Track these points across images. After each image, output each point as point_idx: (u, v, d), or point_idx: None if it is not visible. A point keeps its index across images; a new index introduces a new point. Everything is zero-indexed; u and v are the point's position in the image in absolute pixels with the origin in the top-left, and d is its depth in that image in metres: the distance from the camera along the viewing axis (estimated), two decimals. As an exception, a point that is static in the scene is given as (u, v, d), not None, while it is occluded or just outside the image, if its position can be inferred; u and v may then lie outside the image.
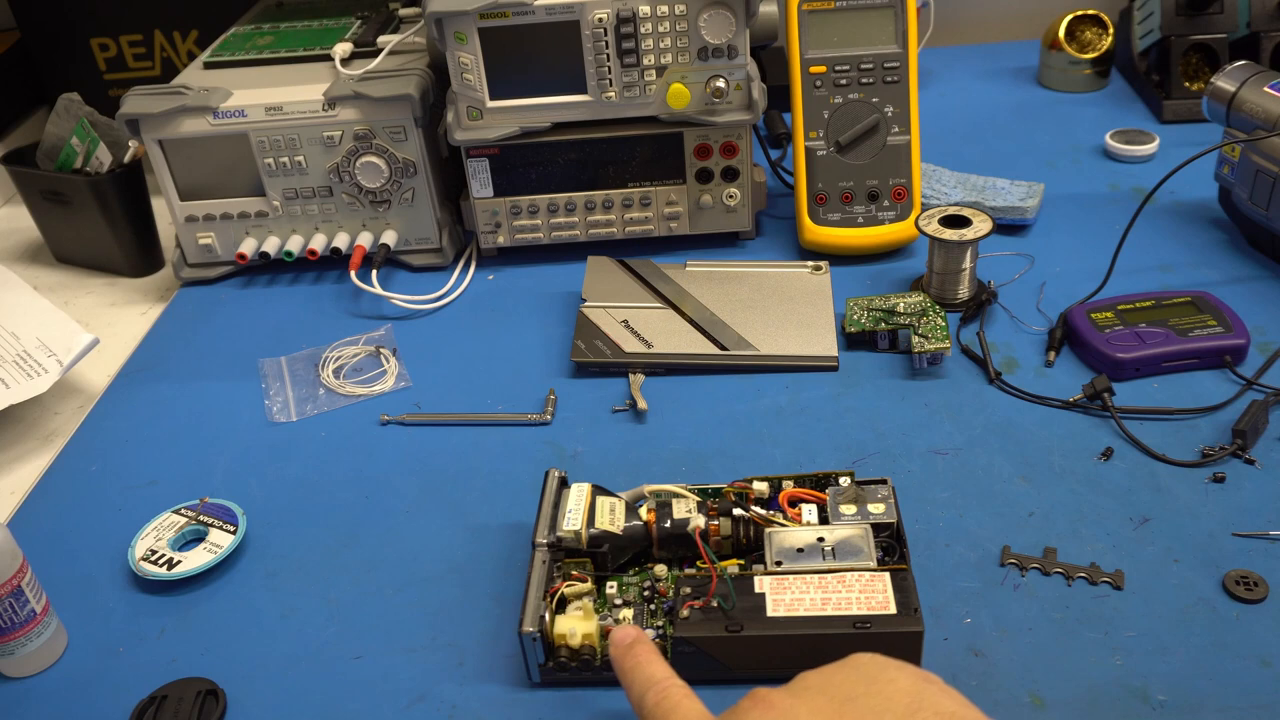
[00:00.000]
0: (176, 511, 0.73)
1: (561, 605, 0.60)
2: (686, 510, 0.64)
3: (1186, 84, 1.19)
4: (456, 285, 0.99)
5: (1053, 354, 0.82)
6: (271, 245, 1.00)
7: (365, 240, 0.99)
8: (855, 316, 0.86)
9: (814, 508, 0.65)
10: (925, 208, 0.98)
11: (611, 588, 0.62)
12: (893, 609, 0.57)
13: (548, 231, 1.00)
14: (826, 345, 0.85)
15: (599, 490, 0.66)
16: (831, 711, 0.45)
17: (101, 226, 1.05)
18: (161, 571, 0.68)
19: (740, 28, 0.91)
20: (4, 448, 0.85)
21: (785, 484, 0.67)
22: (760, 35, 1.10)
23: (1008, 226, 1.00)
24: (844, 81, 0.95)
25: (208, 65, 1.05)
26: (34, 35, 1.28)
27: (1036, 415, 0.77)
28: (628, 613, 0.60)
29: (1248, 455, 0.71)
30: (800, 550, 0.61)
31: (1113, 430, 0.75)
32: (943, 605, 0.62)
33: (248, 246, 1.00)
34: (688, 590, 0.60)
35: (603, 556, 0.63)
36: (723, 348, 0.85)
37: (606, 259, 0.95)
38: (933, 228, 0.87)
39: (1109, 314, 0.83)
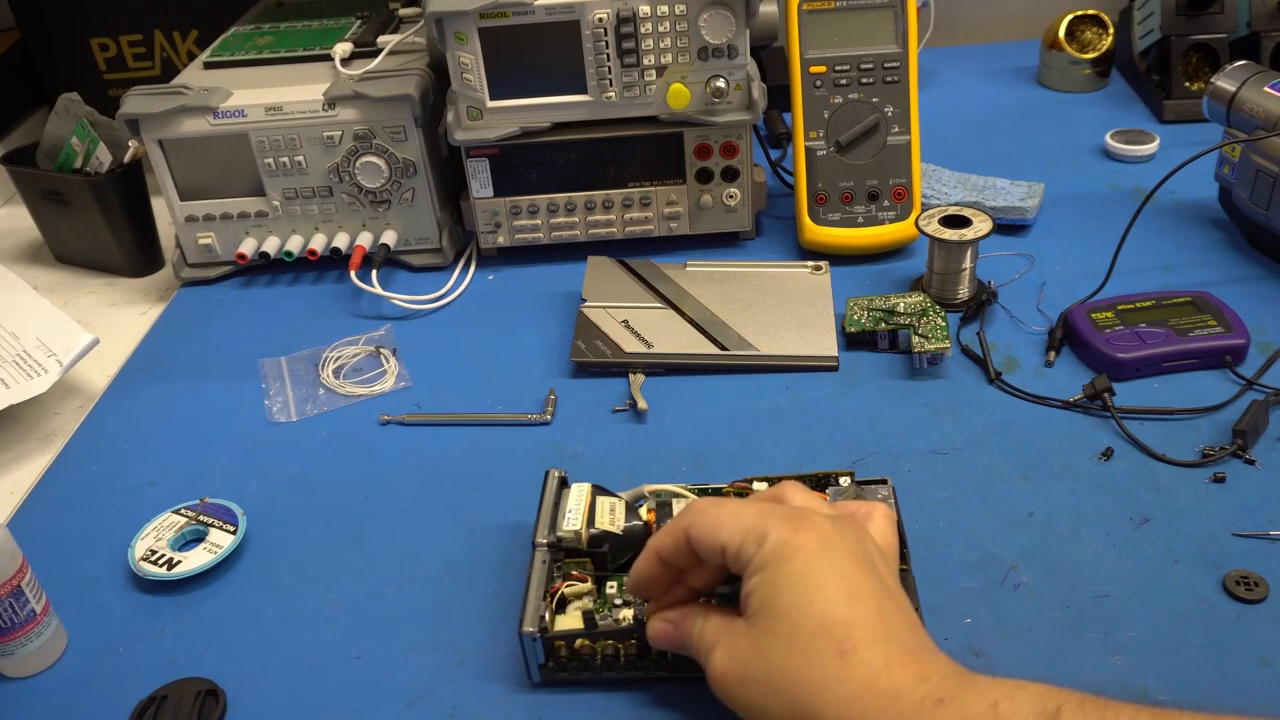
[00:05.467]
0: (176, 511, 0.73)
1: (561, 605, 0.60)
2: (686, 510, 0.64)
3: (1187, 84, 1.19)
4: (456, 285, 0.99)
5: (1053, 354, 0.82)
6: (271, 245, 1.00)
7: (365, 240, 0.99)
8: (855, 316, 0.86)
9: (814, 508, 0.65)
10: (925, 208, 0.98)
11: (611, 588, 0.62)
12: (893, 609, 0.57)
13: (548, 231, 1.00)
14: (826, 345, 0.85)
15: (599, 490, 0.66)
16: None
17: (101, 226, 1.05)
18: (161, 571, 0.68)
19: (740, 28, 0.91)
20: (4, 448, 0.85)
21: (785, 484, 0.67)
22: (760, 35, 1.10)
23: (1008, 226, 1.00)
24: (844, 81, 0.95)
25: (208, 65, 1.05)
26: (34, 35, 1.28)
27: (1036, 415, 0.77)
28: (628, 613, 0.60)
29: (1248, 455, 0.71)
30: (800, 550, 0.61)
31: (1113, 430, 0.75)
32: (943, 605, 0.62)
33: (248, 246, 1.00)
34: (688, 590, 0.60)
35: (603, 556, 0.63)
36: (723, 348, 0.85)
37: (606, 259, 0.95)
38: (933, 228, 0.87)
39: (1109, 314, 0.83)
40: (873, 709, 0.45)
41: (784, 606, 0.48)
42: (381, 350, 0.90)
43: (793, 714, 0.46)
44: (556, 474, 0.67)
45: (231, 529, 0.71)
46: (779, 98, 1.06)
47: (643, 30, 0.90)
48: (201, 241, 1.01)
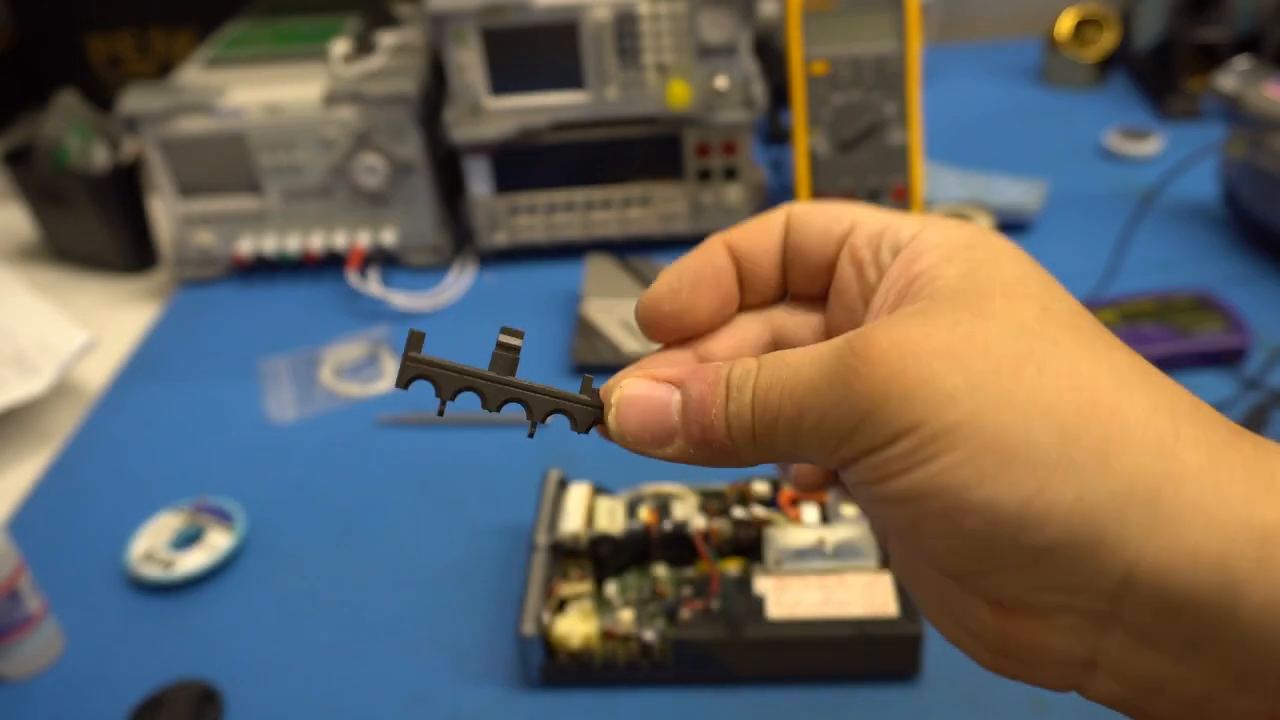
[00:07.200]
0: (175, 512, 0.73)
1: (561, 606, 0.60)
2: (686, 511, 0.63)
3: (1189, 83, 1.18)
4: (456, 285, 0.99)
5: (1054, 354, 0.82)
6: (270, 245, 1.00)
7: (364, 240, 0.99)
8: (856, 316, 0.85)
9: (815, 508, 0.64)
10: (926, 207, 0.98)
11: (611, 588, 0.62)
12: (894, 610, 0.57)
13: (547, 231, 1.00)
14: (827, 345, 0.84)
15: (599, 490, 0.65)
16: None
17: (99, 225, 1.04)
18: (160, 572, 0.68)
19: (740, 27, 0.90)
20: (3, 448, 0.85)
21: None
22: (761, 35, 1.10)
23: (1008, 226, 1.00)
24: (844, 81, 0.95)
25: (206, 64, 1.05)
26: (32, 34, 1.28)
27: (1038, 415, 0.77)
28: (628, 613, 0.59)
29: (1250, 455, 0.71)
30: (801, 551, 0.61)
31: (1114, 430, 0.74)
32: (944, 606, 0.62)
33: (246, 246, 1.00)
34: (688, 591, 0.60)
35: (603, 557, 0.62)
36: (723, 347, 0.85)
37: (606, 259, 0.95)
38: (934, 227, 0.86)
39: (1111, 313, 0.82)
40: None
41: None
42: (380, 350, 0.90)
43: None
44: (556, 474, 0.67)
45: (230, 529, 0.71)
46: (779, 98, 1.06)
47: (642, 29, 0.90)
48: (200, 241, 1.01)
